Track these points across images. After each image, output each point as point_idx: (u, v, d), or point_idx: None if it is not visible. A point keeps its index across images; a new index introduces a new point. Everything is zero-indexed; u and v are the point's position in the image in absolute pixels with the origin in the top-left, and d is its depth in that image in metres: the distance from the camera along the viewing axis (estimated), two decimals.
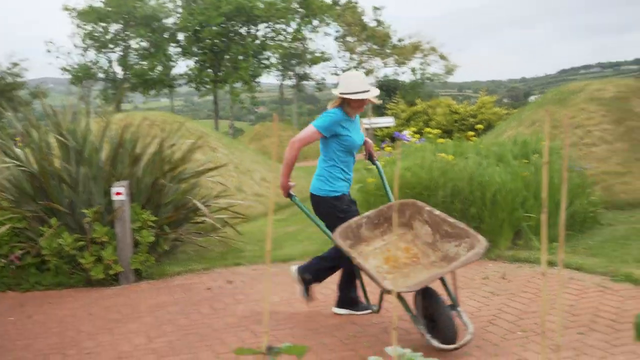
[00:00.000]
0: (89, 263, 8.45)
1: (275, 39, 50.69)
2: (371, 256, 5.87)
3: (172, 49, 50.85)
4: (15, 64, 44.13)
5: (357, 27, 49.97)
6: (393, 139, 15.49)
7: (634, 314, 5.90)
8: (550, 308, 6.24)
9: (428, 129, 11.30)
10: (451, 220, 5.66)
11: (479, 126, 16.58)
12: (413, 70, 51.84)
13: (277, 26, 50.43)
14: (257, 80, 50.72)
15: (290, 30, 50.25)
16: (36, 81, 57.00)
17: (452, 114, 35.57)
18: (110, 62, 50.56)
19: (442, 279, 5.60)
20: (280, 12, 47.95)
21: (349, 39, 51.31)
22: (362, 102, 6.21)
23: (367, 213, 6.09)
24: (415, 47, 49.93)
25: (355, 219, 6.04)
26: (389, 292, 5.33)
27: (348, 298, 6.64)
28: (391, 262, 5.78)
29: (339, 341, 5.89)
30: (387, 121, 34.55)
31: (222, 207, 10.97)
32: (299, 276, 6.71)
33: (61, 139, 9.28)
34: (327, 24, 51.18)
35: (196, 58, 49.93)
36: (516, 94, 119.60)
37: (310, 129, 6.24)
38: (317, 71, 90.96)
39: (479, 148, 10.44)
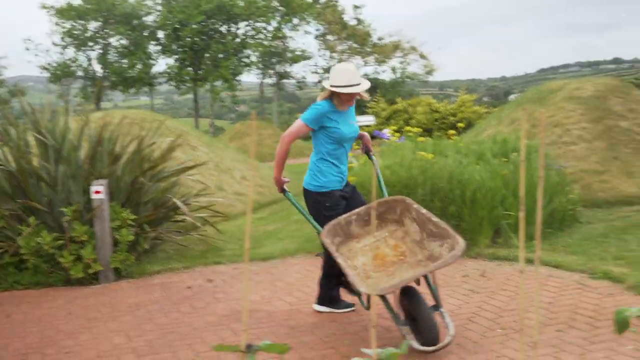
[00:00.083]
0: (68, 262, 8.40)
1: (256, 37, 50.64)
2: (360, 253, 5.86)
3: (152, 47, 50.68)
4: None
5: (338, 25, 49.99)
6: (373, 138, 15.52)
7: (612, 311, 5.94)
8: (529, 305, 6.27)
9: (408, 128, 11.33)
10: (435, 219, 5.64)
11: (460, 125, 16.63)
12: (393, 69, 51.96)
13: (258, 24, 50.39)
14: (237, 78, 50.64)
15: (270, 28, 50.22)
16: (15, 79, 56.75)
17: (433, 113, 35.67)
18: (89, 60, 50.31)
19: (426, 279, 5.59)
20: (261, 10, 47.91)
21: (329, 37, 51.35)
22: (351, 95, 6.15)
23: (357, 210, 6.05)
24: (396, 46, 50.03)
25: (344, 215, 6.00)
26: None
27: (328, 295, 6.64)
28: (379, 259, 5.77)
29: (319, 339, 5.89)
30: (368, 120, 34.56)
31: (202, 205, 10.95)
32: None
33: (40, 137, 9.23)
34: (308, 23, 51.20)
35: (176, 56, 49.77)
36: (496, 93, 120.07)
37: (298, 122, 6.23)
38: (297, 70, 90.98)
39: (458, 147, 10.48)
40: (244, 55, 51.00)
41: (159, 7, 49.12)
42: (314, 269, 8.58)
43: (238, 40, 50.02)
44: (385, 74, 53.69)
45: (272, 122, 46.79)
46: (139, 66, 49.14)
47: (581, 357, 5.03)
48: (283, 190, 6.56)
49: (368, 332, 5.98)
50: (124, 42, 49.70)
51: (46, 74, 49.34)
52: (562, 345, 5.30)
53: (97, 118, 14.01)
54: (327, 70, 51.10)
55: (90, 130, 10.02)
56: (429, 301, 5.57)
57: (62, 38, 48.91)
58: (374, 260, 5.79)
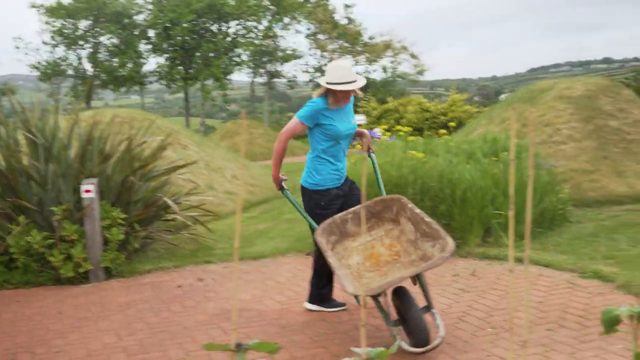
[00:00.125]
0: (58, 261, 8.38)
1: (247, 36, 50.57)
2: (355, 252, 5.85)
3: (143, 46, 50.56)
4: None
5: (328, 24, 49.98)
6: None
7: (602, 311, 5.96)
8: (519, 305, 6.28)
9: (399, 127, 11.33)
10: (427, 219, 5.61)
11: (452, 124, 16.65)
12: (384, 68, 51.97)
13: (248, 23, 50.32)
14: (228, 77, 50.59)
15: (261, 27, 50.16)
16: (4, 78, 56.52)
17: (423, 112, 35.72)
18: (79, 58, 50.17)
19: (418, 279, 5.58)
20: (252, 9, 47.87)
21: (320, 36, 51.33)
22: (346, 92, 6.12)
23: (353, 208, 6.03)
24: (387, 46, 50.04)
25: (340, 214, 5.98)
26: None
27: (319, 294, 6.64)
28: (373, 259, 5.76)
29: (309, 338, 5.89)
30: (359, 119, 34.51)
31: (192, 204, 10.93)
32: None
33: (30, 136, 9.21)
34: (299, 22, 51.16)
35: (167, 55, 49.68)
36: (487, 92, 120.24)
37: (294, 119, 6.21)
38: (288, 69, 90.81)
39: (449, 146, 10.49)
40: (235, 54, 50.93)
41: (150, 6, 49.02)
42: (304, 268, 8.58)
43: (229, 39, 49.95)
44: (376, 74, 53.67)
45: (262, 121, 46.74)
46: (129, 65, 49.03)
47: (571, 356, 5.05)
48: (281, 188, 6.53)
49: (358, 331, 5.98)
50: (115, 41, 49.57)
51: (36, 73, 49.19)
52: (552, 344, 5.31)
53: (88, 117, 13.97)
54: (318, 69, 51.10)
55: (80, 129, 10.00)
56: (423, 302, 5.55)
57: (52, 37, 48.75)
58: (368, 260, 5.77)
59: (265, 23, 49.88)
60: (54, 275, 8.57)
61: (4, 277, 8.59)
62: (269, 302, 7.11)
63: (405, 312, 5.31)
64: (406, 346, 5.12)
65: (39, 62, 48.73)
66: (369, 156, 6.84)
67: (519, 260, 7.77)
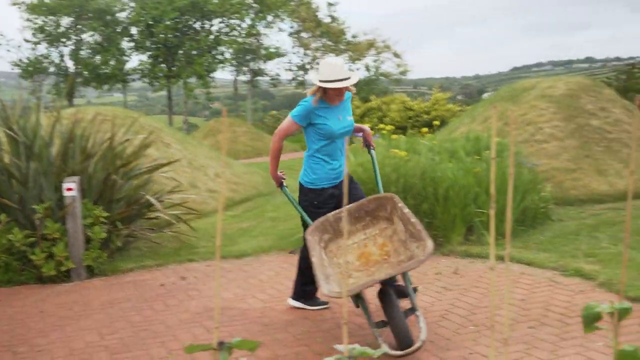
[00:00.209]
0: (40, 259, 8.35)
1: (230, 34, 50.43)
2: (348, 251, 5.83)
3: (126, 44, 50.33)
4: None
5: (312, 23, 49.94)
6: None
7: (585, 305, 5.99)
8: (501, 302, 6.31)
9: (382, 125, 11.35)
10: (413, 220, 5.56)
11: (436, 122, 16.70)
12: (367, 67, 52.01)
13: (231, 21, 50.18)
14: (211, 75, 50.45)
15: (244, 25, 50.05)
16: None
17: (407, 111, 35.72)
18: (62, 56, 49.89)
19: (404, 280, 5.56)
20: (234, 7, 47.73)
21: (303, 34, 51.27)
22: (339, 90, 6.05)
23: (347, 206, 6.00)
24: (370, 44, 50.05)
25: (334, 212, 5.96)
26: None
27: (302, 291, 6.63)
28: (363, 258, 5.73)
29: (292, 337, 5.90)
30: None
31: (175, 202, 10.91)
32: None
33: (11, 133, 9.16)
34: (282, 20, 51.06)
35: (149, 53, 49.49)
36: (470, 91, 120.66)
37: (288, 119, 6.18)
38: (271, 67, 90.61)
39: (432, 144, 10.51)
40: (218, 52, 50.79)
41: (132, 3, 48.79)
42: (287, 266, 8.59)
43: (212, 37, 49.82)
44: (360, 72, 53.68)
45: (246, 120, 46.64)
46: (112, 62, 48.80)
47: (553, 353, 5.08)
48: (281, 185, 6.50)
49: (341, 330, 5.98)
50: (97, 38, 49.32)
51: (18, 70, 48.84)
52: (534, 342, 5.34)
53: (69, 114, 13.91)
54: (301, 67, 51.02)
55: (62, 126, 9.96)
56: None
57: (34, 34, 48.45)
58: (359, 259, 5.75)
59: (248, 21, 49.76)
60: (35, 273, 8.53)
61: None
62: (252, 301, 7.11)
63: (387, 314, 5.29)
64: (386, 347, 5.09)
65: (20, 60, 48.38)
66: (369, 152, 6.77)
67: (501, 259, 7.79)
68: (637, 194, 11.82)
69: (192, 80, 48.81)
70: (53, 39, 48.66)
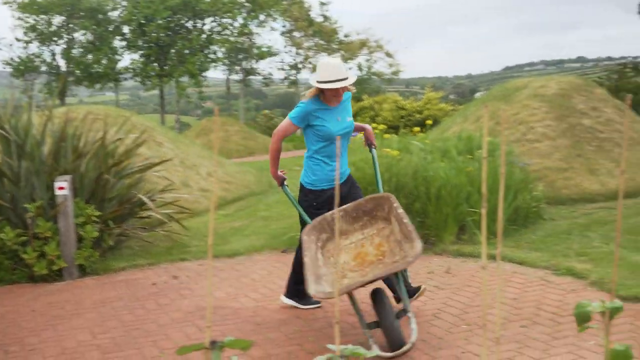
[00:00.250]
0: (32, 258, 8.32)
1: (222, 33, 50.36)
2: (344, 251, 5.82)
3: (118, 43, 50.23)
4: None
5: (304, 22, 49.90)
6: None
7: (577, 304, 6.01)
8: (493, 301, 6.32)
9: (374, 124, 11.36)
10: (405, 220, 5.55)
11: (429, 122, 16.68)
12: (359, 66, 51.99)
13: (224, 20, 50.12)
14: (203, 74, 50.38)
15: (236, 24, 49.97)
16: None
17: (399, 110, 35.74)
18: (53, 55, 49.74)
19: (398, 281, 5.54)
20: (226, 6, 47.67)
21: (295, 34, 51.23)
22: (336, 90, 5.99)
23: (344, 206, 5.95)
24: (363, 44, 50.03)
25: (331, 211, 5.95)
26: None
27: (295, 289, 6.63)
28: (359, 259, 5.71)
29: (284, 336, 5.90)
30: None
31: (167, 201, 10.90)
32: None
33: (2, 132, 9.13)
34: (274, 19, 51.00)
35: (141, 52, 49.40)
36: (462, 91, 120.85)
37: (286, 120, 6.15)
38: (264, 66, 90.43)
39: (424, 143, 10.52)
40: (210, 51, 50.73)
41: (124, 2, 48.68)
42: (280, 265, 8.59)
43: (204, 36, 49.76)
44: (352, 71, 53.61)
45: (238, 119, 46.58)
46: (104, 61, 48.69)
47: (544, 352, 5.09)
48: (282, 184, 6.48)
49: (333, 329, 5.99)
50: (89, 37, 49.19)
51: (9, 69, 48.68)
52: (526, 340, 5.35)
53: (61, 113, 13.89)
54: (293, 66, 50.98)
55: (54, 125, 9.94)
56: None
57: (26, 33, 48.29)
58: (355, 259, 5.73)
59: (240, 20, 49.70)
60: (27, 272, 8.51)
61: None
62: (244, 300, 7.11)
63: (379, 315, 5.28)
64: (377, 350, 5.05)
65: (12, 58, 48.21)
66: (370, 151, 6.74)
67: (493, 258, 7.80)
68: (628, 193, 11.87)
69: (185, 79, 48.76)
70: (45, 38, 48.52)
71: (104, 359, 5.60)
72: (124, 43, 50.08)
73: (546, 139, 13.22)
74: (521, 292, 6.67)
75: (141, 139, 10.86)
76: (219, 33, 50.49)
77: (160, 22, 46.64)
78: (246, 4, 49.33)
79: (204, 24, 50.49)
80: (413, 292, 6.19)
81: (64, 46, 49.31)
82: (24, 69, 47.79)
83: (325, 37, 50.01)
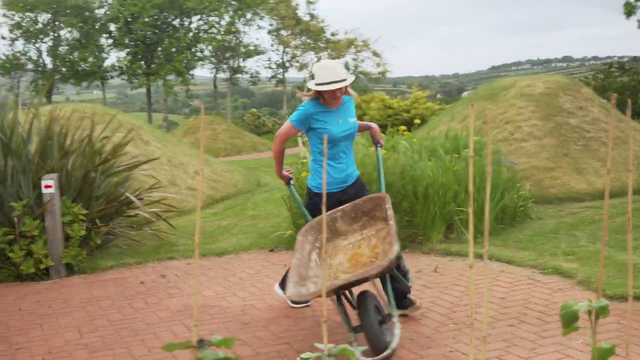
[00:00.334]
0: (19, 257, 8.30)
1: (209, 31, 50.31)
2: (342, 252, 5.79)
3: (104, 40, 50.09)
4: None
5: (291, 20, 49.86)
6: None
7: (562, 304, 6.04)
8: (480, 300, 6.35)
9: None
10: (391, 222, 5.49)
11: (417, 121, 16.69)
12: (346, 65, 51.99)
13: (210, 19, 50.06)
14: (191, 73, 50.32)
15: (223, 23, 49.90)
16: None
17: (386, 109, 35.75)
18: (39, 52, 49.55)
19: (383, 284, 5.52)
20: (213, 4, 47.59)
21: (282, 32, 51.18)
22: (333, 92, 5.91)
23: (342, 207, 5.91)
24: (350, 43, 50.04)
25: (329, 212, 5.90)
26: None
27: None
28: (354, 260, 5.67)
29: (273, 335, 5.90)
30: None
31: (154, 200, 10.88)
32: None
33: None
34: (261, 18, 50.95)
35: (128, 49, 49.28)
36: (449, 90, 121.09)
37: (287, 123, 6.11)
38: (251, 65, 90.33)
39: (410, 142, 10.53)
40: (197, 49, 50.67)
41: (110, 0, 48.53)
42: (268, 264, 8.60)
43: (191, 34, 49.70)
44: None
45: (226, 118, 46.53)
46: (90, 59, 48.52)
47: (532, 351, 5.11)
48: (288, 183, 6.48)
49: (321, 328, 5.99)
50: (75, 34, 49.01)
51: None
52: (513, 339, 5.38)
53: (47, 111, 13.84)
54: (280, 65, 50.98)
55: (40, 123, 9.91)
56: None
57: (11, 30, 48.08)
58: (350, 261, 5.69)
59: (227, 18, 49.62)
60: (14, 271, 8.48)
61: None
62: (232, 299, 7.11)
63: (361, 318, 5.18)
64: (358, 353, 4.95)
65: None
66: (376, 149, 6.67)
67: (480, 257, 7.84)
68: (614, 192, 11.93)
69: (172, 77, 48.69)
70: (31, 35, 48.31)
71: (92, 358, 5.59)
72: (110, 41, 49.96)
73: (533, 138, 13.27)
74: (508, 291, 6.70)
75: (128, 137, 10.84)
76: (206, 31, 50.45)
77: (147, 19, 46.53)
78: (233, 2, 49.27)
79: (190, 22, 50.46)
80: (407, 303, 6.14)
81: (50, 44, 49.10)
82: (9, 66, 47.57)
83: (312, 35, 49.99)
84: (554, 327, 5.57)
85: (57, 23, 48.65)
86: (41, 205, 8.52)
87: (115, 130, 11.21)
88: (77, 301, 7.34)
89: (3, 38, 48.37)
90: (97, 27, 49.12)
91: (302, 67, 50.24)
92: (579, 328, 1.87)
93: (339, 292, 5.32)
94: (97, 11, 49.35)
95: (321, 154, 6.07)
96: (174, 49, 48.16)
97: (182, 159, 15.71)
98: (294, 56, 50.84)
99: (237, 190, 16.03)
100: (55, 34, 49.16)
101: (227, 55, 51.33)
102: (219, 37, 49.73)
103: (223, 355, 1.59)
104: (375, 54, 50.19)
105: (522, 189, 10.55)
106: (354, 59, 50.47)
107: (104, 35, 49.82)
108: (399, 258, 6.23)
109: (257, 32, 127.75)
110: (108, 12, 48.49)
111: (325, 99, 6.00)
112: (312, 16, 50.74)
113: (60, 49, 48.97)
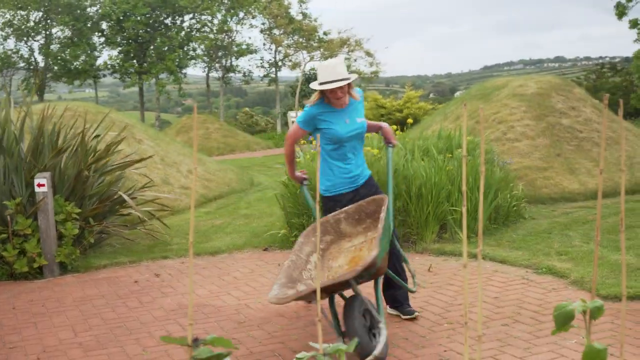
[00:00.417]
0: (12, 256, 8.28)
1: (201, 30, 50.28)
2: (345, 254, 5.78)
3: (96, 39, 50.00)
4: None
5: (284, 19, 49.82)
6: None
7: (556, 306, 6.06)
8: (474, 300, 6.36)
9: None
10: (380, 225, 5.39)
11: (410, 120, 16.71)
12: None
13: (203, 17, 50.03)
14: (183, 71, 50.27)
15: (216, 21, 49.87)
16: None
17: (379, 108, 35.78)
18: (31, 50, 49.44)
19: (375, 287, 5.50)
20: (206, 3, 47.56)
21: (275, 31, 51.14)
22: (333, 92, 5.85)
23: (346, 208, 5.85)
24: (343, 42, 50.03)
25: (333, 213, 5.85)
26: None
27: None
28: (353, 263, 5.60)
29: (267, 334, 5.91)
30: None
31: (148, 199, 10.86)
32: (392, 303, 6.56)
33: None
34: (253, 17, 50.91)
35: (120, 48, 49.21)
36: (442, 89, 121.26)
37: (294, 124, 6.08)
38: (243, 64, 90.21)
39: (403, 142, 10.54)
40: (190, 48, 50.63)
41: None
42: (261, 263, 8.60)
43: (183, 33, 49.65)
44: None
45: (218, 116, 46.48)
46: (83, 57, 48.43)
47: (526, 351, 5.13)
48: (302, 184, 6.43)
49: (316, 327, 6.00)
50: (67, 33, 48.90)
51: None
52: (507, 339, 5.39)
53: (39, 110, 13.80)
54: (273, 64, 50.95)
55: (32, 122, 9.89)
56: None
57: (2, 28, 47.96)
58: (349, 264, 5.63)
59: (219, 17, 49.57)
60: (7, 270, 8.47)
61: None
62: (226, 298, 7.11)
63: (345, 323, 5.07)
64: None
65: None
66: (387, 150, 6.57)
67: (474, 256, 7.86)
68: (607, 192, 11.97)
69: (164, 76, 48.62)
70: (22, 34, 48.19)
71: (86, 357, 5.59)
72: (102, 39, 49.88)
73: (525, 138, 13.30)
74: (502, 291, 6.72)
75: (121, 136, 10.82)
76: (198, 30, 50.42)
77: (139, 18, 46.45)
78: (225, 1, 49.23)
79: (183, 21, 50.42)
80: (406, 310, 6.12)
81: (42, 42, 48.98)
82: (1, 64, 47.44)
83: (305, 35, 49.97)
84: (548, 327, 5.59)
85: (49, 21, 48.55)
86: (34, 204, 8.50)
87: (108, 129, 11.19)
88: (71, 300, 7.34)
89: None
90: (89, 25, 49.00)
91: (294, 66, 50.25)
92: (571, 328, 1.87)
93: (332, 296, 5.32)
94: (89, 9, 49.24)
95: (330, 154, 6.01)
96: (166, 48, 48.10)
97: (175, 158, 15.69)
98: (286, 55, 50.82)
99: (231, 189, 16.01)
100: (47, 32, 49.05)
101: (220, 54, 51.27)
102: (211, 35, 49.69)
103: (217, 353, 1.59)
104: (368, 53, 50.23)
105: (515, 189, 10.57)
106: (347, 59, 50.43)
107: (96, 33, 49.73)
108: (404, 262, 6.24)
109: (249, 31, 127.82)
110: (100, 10, 48.39)
111: (330, 99, 5.93)
112: (305, 15, 50.72)
113: (52, 47, 48.85)
